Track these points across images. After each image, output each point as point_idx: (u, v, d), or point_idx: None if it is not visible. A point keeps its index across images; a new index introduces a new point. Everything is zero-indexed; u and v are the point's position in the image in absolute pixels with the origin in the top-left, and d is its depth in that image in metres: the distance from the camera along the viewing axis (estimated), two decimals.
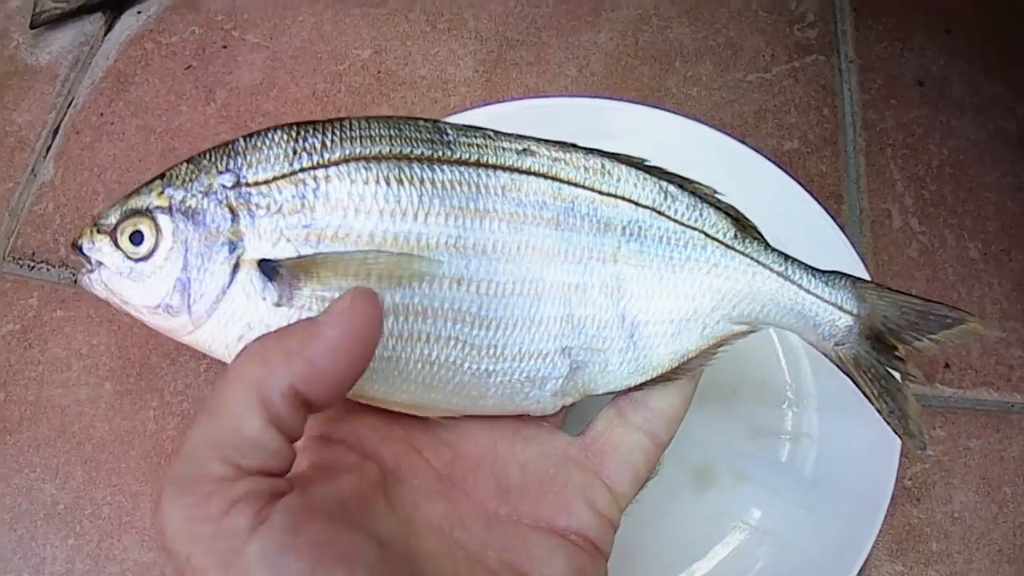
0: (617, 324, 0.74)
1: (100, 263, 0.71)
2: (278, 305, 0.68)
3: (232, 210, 0.69)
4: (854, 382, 0.77)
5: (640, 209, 0.75)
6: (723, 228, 0.76)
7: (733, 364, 0.82)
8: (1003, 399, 1.04)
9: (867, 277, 0.90)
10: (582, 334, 0.73)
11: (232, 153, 0.71)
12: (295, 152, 0.70)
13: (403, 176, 0.70)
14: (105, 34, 1.39)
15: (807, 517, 0.92)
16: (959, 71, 1.26)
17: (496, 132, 0.76)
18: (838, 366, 0.78)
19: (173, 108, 1.30)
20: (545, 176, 0.74)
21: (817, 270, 0.76)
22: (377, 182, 0.69)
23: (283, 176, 0.69)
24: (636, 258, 0.74)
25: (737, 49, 1.29)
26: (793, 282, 0.75)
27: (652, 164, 0.77)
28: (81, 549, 1.01)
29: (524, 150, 0.74)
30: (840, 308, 0.76)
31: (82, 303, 1.15)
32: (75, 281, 1.12)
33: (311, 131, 0.71)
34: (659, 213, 0.75)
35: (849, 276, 0.77)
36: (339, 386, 0.58)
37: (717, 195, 0.77)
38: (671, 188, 0.76)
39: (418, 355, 0.70)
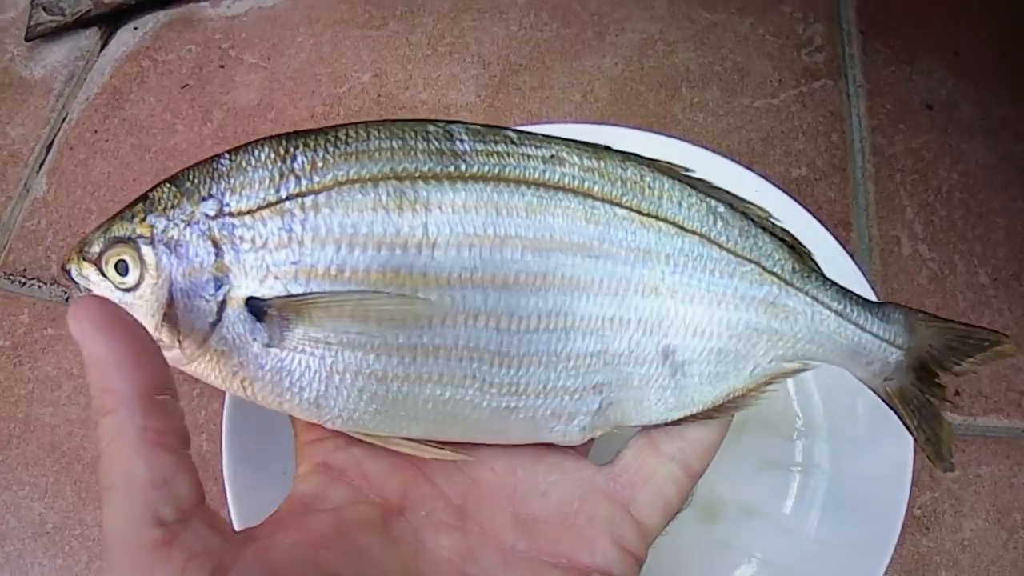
0: (657, 361, 0.69)
1: (89, 290, 0.67)
2: (268, 346, 0.63)
3: (215, 244, 0.63)
4: (897, 414, 0.75)
5: (687, 235, 0.68)
6: (780, 259, 0.71)
7: None
8: (1013, 426, 1.03)
9: None
10: (617, 370, 0.68)
11: (215, 175, 0.65)
12: (281, 175, 0.64)
13: (405, 201, 0.63)
14: (101, 49, 1.38)
15: (817, 550, 0.90)
16: (967, 94, 1.25)
17: (519, 134, 0.69)
18: (883, 400, 0.75)
19: (169, 127, 1.28)
20: (576, 192, 0.67)
21: (871, 303, 0.73)
22: (374, 209, 0.63)
23: (268, 205, 0.63)
24: (683, 291, 0.68)
25: (744, 74, 1.28)
26: (851, 321, 0.72)
27: (696, 176, 0.71)
28: (70, 570, 1.00)
29: (552, 157, 0.67)
30: (892, 344, 0.73)
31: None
32: (67, 300, 1.12)
33: (300, 147, 0.65)
34: (709, 240, 0.69)
35: (901, 307, 0.74)
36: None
37: (771, 219, 0.72)
38: (721, 209, 0.70)
39: (428, 395, 0.66)
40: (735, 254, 0.69)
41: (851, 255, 0.96)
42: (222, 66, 1.34)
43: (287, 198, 0.63)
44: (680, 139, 1.05)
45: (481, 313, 0.64)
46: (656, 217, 0.68)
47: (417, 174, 0.64)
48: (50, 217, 1.22)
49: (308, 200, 0.63)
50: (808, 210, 0.98)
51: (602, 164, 0.69)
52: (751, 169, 1.01)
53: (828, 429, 0.96)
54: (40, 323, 1.14)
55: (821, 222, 0.97)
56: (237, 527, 0.80)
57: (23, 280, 1.17)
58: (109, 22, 1.41)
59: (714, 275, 0.69)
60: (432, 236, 0.63)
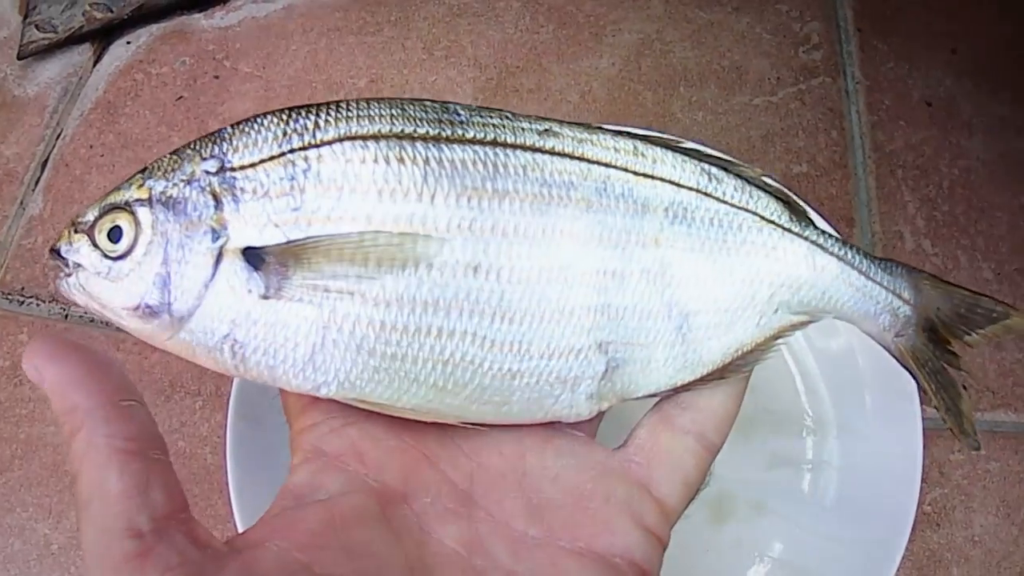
0: (663, 314, 0.67)
1: (78, 265, 0.64)
2: (265, 297, 0.61)
3: (215, 196, 0.62)
4: (913, 375, 0.73)
5: (683, 190, 0.68)
6: (777, 210, 0.70)
7: (749, 392, 0.75)
8: (1021, 420, 1.02)
9: None
10: (621, 326, 0.67)
11: (218, 139, 0.64)
12: (285, 134, 0.63)
13: (404, 155, 0.63)
14: (94, 65, 1.38)
15: (829, 547, 0.89)
16: (966, 91, 1.25)
17: (514, 114, 0.68)
18: (897, 359, 0.73)
19: (164, 140, 1.28)
20: (570, 156, 0.66)
21: (874, 256, 0.72)
22: (375, 161, 0.63)
23: (271, 158, 0.62)
24: (683, 241, 0.67)
25: (742, 72, 1.28)
26: (854, 267, 0.71)
27: (689, 145, 0.71)
28: None
29: (546, 131, 0.67)
30: (899, 296, 0.72)
31: (73, 338, 1.11)
32: (66, 316, 1.10)
33: (304, 112, 0.65)
34: (705, 194, 0.69)
35: (904, 264, 0.73)
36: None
37: (765, 177, 0.72)
38: (714, 170, 0.70)
39: (428, 352, 0.63)
40: (732, 205, 0.69)
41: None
42: (216, 77, 1.33)
43: (290, 151, 0.63)
44: (681, 139, 1.04)
45: (481, 265, 0.63)
46: (651, 176, 0.68)
47: (416, 135, 0.64)
48: (47, 235, 1.22)
49: (312, 152, 0.63)
50: (811, 206, 0.97)
51: (595, 136, 0.69)
52: (752, 167, 1.01)
53: (837, 426, 0.95)
54: None
55: (824, 218, 0.96)
56: None
57: (21, 299, 1.17)
58: (102, 37, 1.41)
59: (713, 225, 0.68)
60: (432, 186, 0.63)
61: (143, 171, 0.65)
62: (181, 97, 1.32)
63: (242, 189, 0.62)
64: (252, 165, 0.62)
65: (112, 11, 1.38)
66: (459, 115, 0.66)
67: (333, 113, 0.65)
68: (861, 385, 0.91)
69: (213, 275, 0.62)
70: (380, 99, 0.67)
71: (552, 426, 0.69)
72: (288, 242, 0.61)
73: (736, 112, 1.24)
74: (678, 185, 0.68)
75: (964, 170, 1.18)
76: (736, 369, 0.69)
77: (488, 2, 1.37)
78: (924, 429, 0.85)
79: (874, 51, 1.28)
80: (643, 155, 0.69)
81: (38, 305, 1.16)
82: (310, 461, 0.63)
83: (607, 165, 0.67)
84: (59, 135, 1.31)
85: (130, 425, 0.53)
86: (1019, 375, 1.04)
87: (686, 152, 0.70)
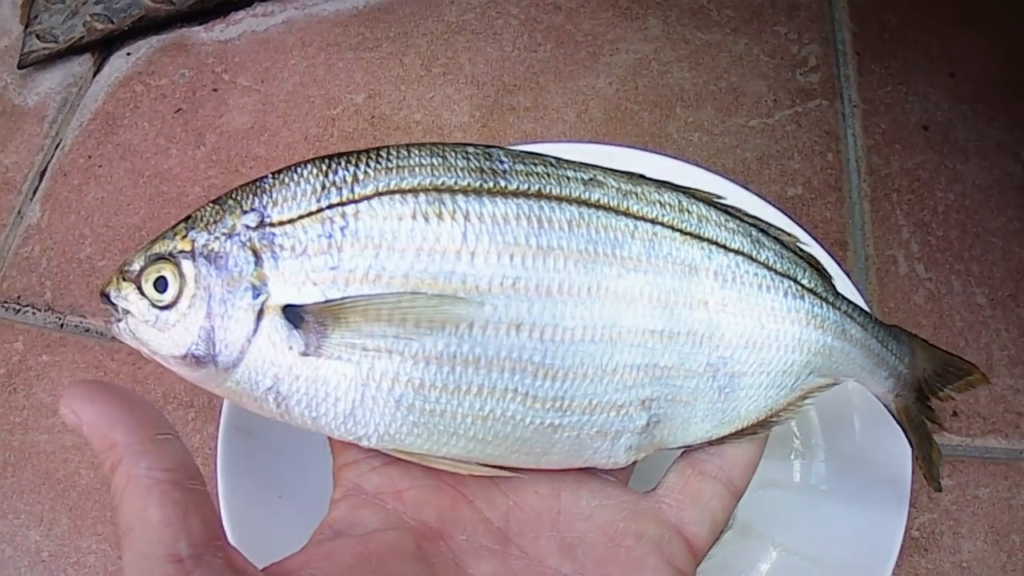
0: (708, 375, 0.69)
1: (127, 312, 0.67)
2: (305, 355, 0.62)
3: (255, 252, 0.63)
4: (904, 430, 0.78)
5: (730, 254, 0.69)
6: (813, 278, 0.73)
7: None
8: (1012, 447, 1.02)
9: None
10: (665, 385, 0.67)
11: (259, 191, 0.66)
12: (323, 187, 0.64)
13: (444, 210, 0.63)
14: (94, 75, 1.38)
15: (816, 571, 0.89)
16: (963, 115, 1.25)
17: (558, 160, 0.70)
18: (894, 416, 0.79)
19: (162, 151, 1.28)
20: (616, 211, 0.67)
21: (883, 324, 0.76)
22: (413, 217, 0.63)
23: (309, 214, 0.63)
24: (733, 305, 0.69)
25: (739, 94, 1.28)
26: (874, 336, 0.75)
27: (727, 203, 0.73)
28: None
29: (591, 180, 0.68)
30: (902, 360, 0.76)
31: (68, 348, 1.13)
32: (61, 325, 1.11)
33: (343, 163, 0.66)
34: (751, 259, 0.70)
35: (904, 330, 0.78)
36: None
37: (799, 243, 0.74)
38: (756, 232, 0.72)
39: (467, 408, 0.64)
40: (775, 271, 0.71)
41: (848, 274, 0.96)
42: (215, 90, 1.34)
43: (328, 207, 0.63)
44: (677, 158, 1.04)
45: (524, 323, 0.63)
46: (698, 237, 0.69)
47: (457, 187, 0.64)
48: (44, 244, 1.22)
49: (349, 208, 0.63)
50: (805, 229, 0.97)
51: (639, 188, 0.69)
52: (747, 188, 1.01)
53: (825, 449, 0.95)
54: (34, 350, 1.14)
55: (818, 241, 0.96)
56: None
57: (17, 307, 1.17)
58: (102, 48, 1.41)
59: (761, 290, 0.70)
60: (472, 244, 0.63)
61: (187, 220, 0.67)
62: (180, 109, 1.32)
63: (281, 246, 0.63)
64: (291, 221, 0.63)
65: (113, 22, 1.38)
66: (502, 163, 0.67)
67: (373, 164, 0.65)
68: (850, 408, 0.91)
69: (255, 330, 0.63)
70: (422, 145, 0.67)
71: (587, 469, 0.70)
72: (326, 301, 0.62)
73: (732, 133, 1.24)
74: (725, 248, 0.69)
75: (959, 195, 1.18)
76: (767, 426, 0.72)
77: (487, 20, 1.38)
78: (914, 454, 0.85)
79: (872, 74, 1.28)
80: (688, 212, 0.70)
81: (34, 314, 1.17)
82: (350, 497, 0.65)
83: (653, 221, 0.68)
84: (58, 145, 1.31)
85: (167, 457, 0.54)
86: (1010, 401, 1.04)
87: (727, 211, 0.72)
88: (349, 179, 0.64)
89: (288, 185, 0.65)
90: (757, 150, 1.22)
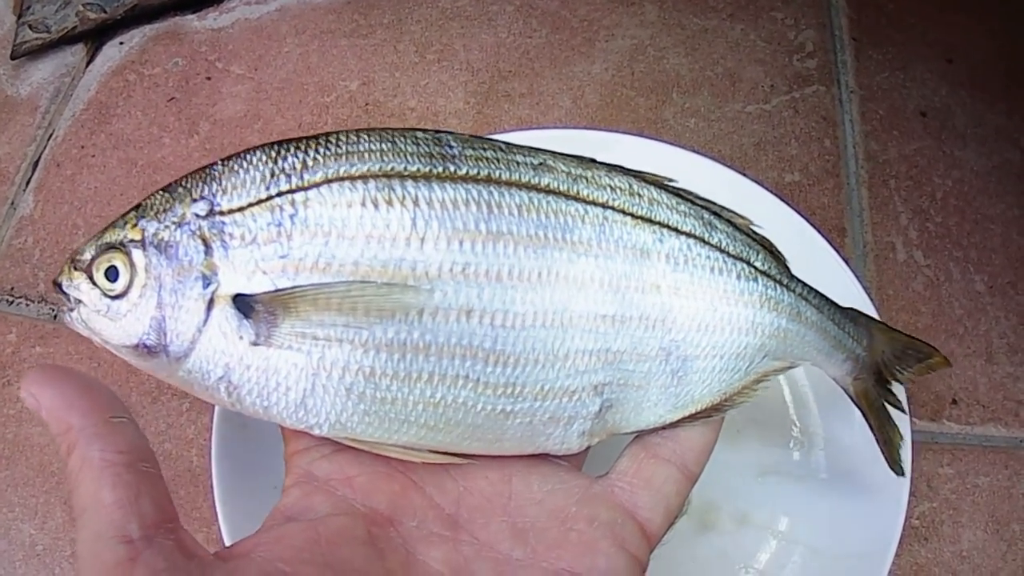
0: (660, 359, 0.68)
1: (79, 301, 0.66)
2: (256, 344, 0.62)
3: (205, 241, 0.63)
4: (863, 413, 0.80)
5: (682, 236, 0.69)
6: (766, 260, 0.73)
7: None
8: (1011, 435, 1.02)
9: (874, 312, 0.88)
10: (618, 369, 0.67)
11: (208, 179, 0.65)
12: (273, 175, 0.63)
13: (394, 196, 0.63)
14: (87, 65, 1.38)
15: (814, 560, 0.89)
16: (961, 101, 1.24)
17: (508, 144, 0.69)
18: (852, 399, 0.80)
19: (155, 140, 1.28)
20: (566, 196, 0.67)
21: (833, 301, 0.76)
22: (363, 204, 0.63)
23: (258, 202, 0.63)
24: (685, 288, 0.68)
25: (736, 80, 1.27)
26: (829, 318, 0.75)
27: (679, 186, 0.72)
28: None
29: (540, 164, 0.68)
30: (859, 343, 0.77)
31: (61, 340, 1.13)
32: (54, 316, 1.10)
33: (292, 150, 0.65)
34: (703, 242, 0.70)
35: (862, 314, 0.79)
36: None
37: (752, 225, 0.74)
38: (708, 215, 0.72)
39: (418, 396, 0.64)
40: (728, 254, 0.70)
41: (846, 261, 0.95)
42: (208, 78, 1.33)
43: (277, 195, 0.63)
44: (673, 144, 1.04)
45: (475, 309, 0.63)
46: (649, 220, 0.68)
47: (406, 173, 0.64)
48: (37, 235, 1.22)
49: (298, 196, 0.63)
50: (803, 215, 0.97)
51: (589, 173, 0.69)
52: (744, 174, 1.00)
53: (825, 438, 0.95)
54: (28, 342, 1.14)
55: (816, 228, 0.96)
56: (228, 542, 0.81)
57: (10, 299, 1.16)
58: (95, 38, 1.41)
59: (713, 272, 0.69)
60: (421, 230, 0.63)
61: (137, 208, 0.66)
62: (173, 98, 1.31)
63: (231, 235, 0.62)
64: (240, 209, 0.63)
65: (105, 11, 1.38)
66: (451, 148, 0.66)
67: (322, 150, 0.65)
68: (849, 399, 0.90)
69: (206, 320, 0.63)
70: (371, 130, 0.67)
71: (539, 455, 0.70)
72: (276, 290, 0.62)
73: (729, 119, 1.24)
74: (677, 231, 0.69)
75: (957, 181, 1.17)
76: (721, 409, 0.72)
77: (481, 6, 1.37)
78: (913, 442, 0.84)
79: (869, 60, 1.28)
80: (639, 195, 0.69)
81: (27, 305, 1.16)
82: (301, 484, 0.64)
83: (604, 206, 0.68)
84: (51, 135, 1.31)
85: (120, 440, 0.55)
86: (1009, 389, 1.03)
87: (679, 194, 0.72)
88: (298, 166, 0.64)
89: (237, 172, 0.64)
90: (754, 136, 1.22)
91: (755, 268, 0.71)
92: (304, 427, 0.65)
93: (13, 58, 1.38)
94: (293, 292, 0.61)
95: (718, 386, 0.71)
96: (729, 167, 1.01)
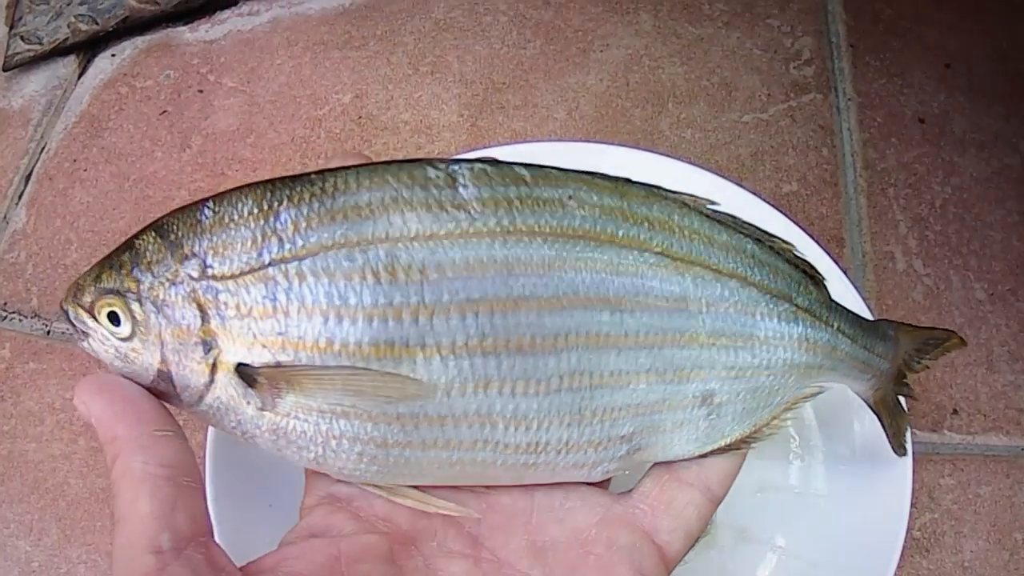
0: (694, 406, 0.66)
1: (86, 335, 0.64)
2: (262, 410, 0.61)
3: (201, 307, 0.60)
4: (879, 418, 0.79)
5: (723, 279, 0.65)
6: (807, 293, 0.70)
7: None
8: (1013, 444, 1.01)
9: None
10: (648, 419, 0.65)
11: (199, 229, 0.61)
12: (264, 236, 0.60)
13: (398, 267, 0.59)
14: (79, 77, 1.37)
15: (815, 574, 0.88)
16: (960, 107, 1.23)
17: (532, 171, 0.64)
18: (871, 407, 0.79)
19: (148, 154, 1.27)
20: (598, 240, 0.62)
21: (870, 323, 0.75)
22: (363, 277, 0.58)
23: (251, 271, 0.59)
24: (724, 339, 0.65)
25: (732, 89, 1.26)
26: (861, 345, 0.73)
27: (721, 210, 0.68)
28: None
29: (570, 198, 0.62)
30: (885, 358, 0.76)
31: (55, 355, 1.12)
32: (48, 332, 1.10)
33: (284, 202, 0.61)
34: (746, 282, 0.67)
35: (891, 323, 0.77)
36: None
37: (795, 251, 0.71)
38: (750, 246, 0.68)
39: (433, 458, 0.62)
40: (771, 293, 0.68)
41: (845, 271, 0.95)
42: (200, 91, 1.32)
43: (270, 263, 0.60)
44: (670, 156, 1.03)
45: (494, 380, 0.60)
46: (690, 261, 0.65)
47: (412, 235, 0.60)
48: (30, 249, 1.21)
49: (292, 267, 0.59)
50: (800, 226, 0.96)
51: (624, 203, 0.64)
52: (741, 185, 0.99)
53: (824, 451, 0.94)
54: (21, 357, 1.13)
55: (814, 238, 0.95)
56: None
57: (3, 314, 1.16)
58: (86, 50, 1.40)
59: (754, 318, 0.67)
60: (430, 304, 0.59)
61: (130, 250, 0.63)
62: (165, 111, 1.31)
63: (226, 304, 0.60)
64: (232, 277, 0.60)
65: (97, 23, 1.37)
66: (465, 189, 0.61)
67: (316, 206, 0.60)
68: (848, 410, 0.90)
69: (211, 382, 0.61)
70: (374, 170, 0.62)
71: None
72: (277, 365, 0.60)
73: (725, 129, 1.23)
74: (719, 271, 0.66)
75: (957, 188, 1.17)
76: (751, 442, 0.70)
77: (475, 17, 1.36)
78: (914, 453, 0.84)
79: (866, 67, 1.27)
80: (679, 228, 0.65)
81: (20, 320, 1.15)
82: (323, 505, 0.65)
83: (640, 248, 0.63)
84: (43, 148, 1.30)
85: (163, 453, 0.56)
86: (1011, 398, 1.03)
87: (720, 220, 0.68)
88: (291, 227, 0.60)
89: (228, 227, 0.61)
90: (751, 146, 1.21)
91: (796, 306, 0.69)
92: (322, 471, 0.65)
93: (5, 70, 1.37)
94: (294, 370, 0.59)
95: (749, 421, 0.69)
96: (726, 178, 1.01)
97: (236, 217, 0.61)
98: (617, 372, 0.63)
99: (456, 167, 0.63)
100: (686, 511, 0.67)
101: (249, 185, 0.63)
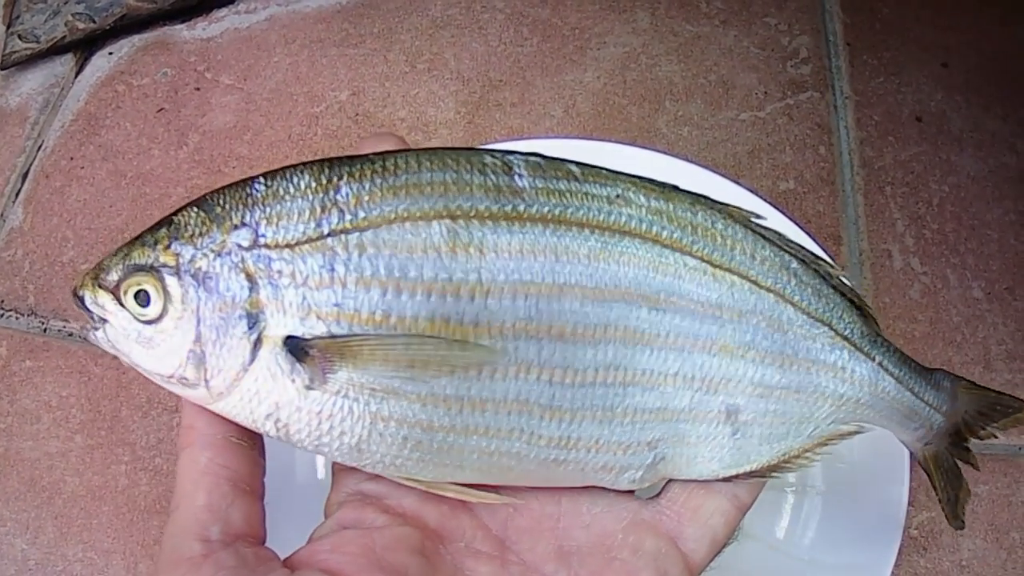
0: (719, 420, 0.65)
1: (104, 320, 0.62)
2: (310, 388, 0.59)
3: (250, 277, 0.58)
4: (929, 477, 0.75)
5: (761, 292, 0.65)
6: (850, 322, 0.68)
7: None
8: (1010, 443, 1.01)
9: None
10: (674, 427, 0.65)
11: (250, 201, 0.60)
12: (323, 208, 0.59)
13: (458, 243, 0.59)
14: (76, 75, 1.37)
15: (812, 573, 0.88)
16: (957, 106, 1.24)
17: (583, 169, 0.64)
18: (920, 463, 0.75)
19: (145, 152, 1.27)
20: (643, 237, 0.63)
21: (924, 368, 0.72)
22: (425, 251, 0.59)
23: (308, 240, 0.58)
24: (754, 352, 0.65)
25: (729, 87, 1.27)
26: (908, 388, 0.70)
27: (767, 225, 0.67)
28: None
29: (617, 197, 0.63)
30: (938, 410, 0.72)
31: (52, 353, 1.12)
32: (44, 330, 1.09)
33: (345, 177, 0.60)
34: (784, 299, 0.66)
35: (949, 375, 0.73)
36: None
37: (842, 277, 0.69)
38: (794, 265, 0.67)
39: (473, 446, 0.62)
40: (809, 315, 0.67)
41: (842, 270, 0.94)
42: (198, 88, 1.32)
43: (330, 234, 0.59)
44: (667, 153, 1.03)
45: (534, 365, 0.61)
46: (729, 270, 0.65)
47: (472, 212, 0.60)
48: (27, 247, 1.21)
49: (353, 238, 0.59)
50: (798, 224, 0.96)
51: (670, 207, 0.65)
52: (738, 183, 0.99)
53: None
54: (18, 355, 1.13)
55: (811, 236, 0.95)
56: None
57: (0, 312, 1.15)
58: (84, 48, 1.40)
59: (788, 336, 0.66)
60: (487, 283, 0.59)
61: (168, 225, 0.62)
62: (162, 109, 1.31)
63: (280, 272, 0.59)
64: (288, 245, 0.59)
65: (95, 21, 1.37)
66: (520, 179, 0.62)
67: (379, 181, 0.60)
68: None
69: (252, 360, 0.59)
70: (434, 153, 0.63)
71: None
72: (332, 336, 0.58)
73: (722, 127, 1.23)
74: (756, 284, 0.65)
75: (954, 187, 1.17)
76: (779, 471, 0.69)
77: (472, 15, 1.36)
78: (910, 452, 0.84)
79: (864, 65, 1.27)
80: (722, 237, 0.65)
81: (17, 318, 1.15)
82: (352, 500, 0.64)
83: (682, 251, 0.63)
84: (40, 146, 1.30)
85: (231, 457, 0.59)
86: None
87: (764, 235, 0.67)
88: (352, 200, 0.59)
89: (284, 199, 0.60)
90: (748, 144, 1.21)
91: (835, 332, 0.67)
92: (358, 465, 0.63)
93: (2, 68, 1.37)
94: (351, 341, 0.58)
95: (778, 448, 0.68)
96: (723, 176, 1.00)
97: (292, 190, 0.60)
98: (649, 372, 0.63)
99: (511, 157, 0.63)
100: (713, 519, 0.67)
101: (303, 163, 0.62)
